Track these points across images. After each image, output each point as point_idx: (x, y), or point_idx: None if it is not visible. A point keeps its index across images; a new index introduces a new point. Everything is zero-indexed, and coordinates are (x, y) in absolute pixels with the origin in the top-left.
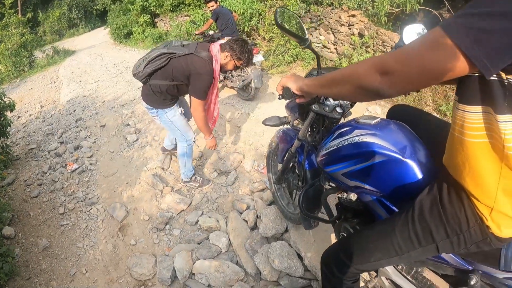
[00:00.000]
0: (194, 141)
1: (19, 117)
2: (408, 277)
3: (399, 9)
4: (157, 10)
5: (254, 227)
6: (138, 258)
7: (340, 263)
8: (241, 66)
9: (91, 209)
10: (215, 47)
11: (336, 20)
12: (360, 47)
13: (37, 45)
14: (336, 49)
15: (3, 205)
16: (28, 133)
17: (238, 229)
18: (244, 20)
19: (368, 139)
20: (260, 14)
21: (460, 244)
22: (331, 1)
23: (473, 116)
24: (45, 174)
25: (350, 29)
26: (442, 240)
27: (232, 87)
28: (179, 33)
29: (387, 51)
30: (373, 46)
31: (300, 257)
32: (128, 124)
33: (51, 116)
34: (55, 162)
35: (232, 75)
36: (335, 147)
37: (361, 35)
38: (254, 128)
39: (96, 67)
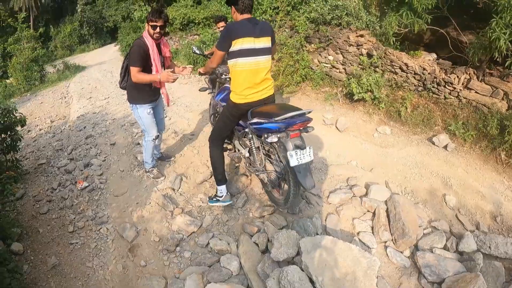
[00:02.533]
0: (154, 139)
1: (29, 131)
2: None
3: (407, 29)
4: (166, 29)
5: (265, 251)
6: (149, 280)
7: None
8: (156, 23)
9: (101, 228)
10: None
11: (344, 40)
12: (369, 67)
13: (48, 60)
14: (344, 69)
15: (12, 220)
16: (38, 147)
17: (249, 252)
18: None
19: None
20: None
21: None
22: (339, 22)
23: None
24: (55, 190)
25: (358, 49)
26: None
27: None
28: (189, 52)
29: (395, 71)
30: (382, 66)
31: (311, 281)
32: (138, 143)
33: (61, 131)
34: (65, 179)
35: None
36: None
37: (369, 55)
38: None
39: (106, 84)
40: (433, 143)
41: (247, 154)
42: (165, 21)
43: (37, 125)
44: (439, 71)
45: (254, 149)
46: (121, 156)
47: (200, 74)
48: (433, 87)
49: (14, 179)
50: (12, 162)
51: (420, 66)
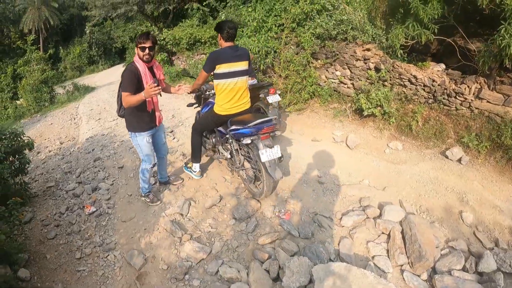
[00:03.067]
0: (151, 167)
1: (38, 152)
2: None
3: (415, 41)
4: (173, 49)
5: (277, 278)
6: None
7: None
8: (144, 44)
9: (108, 255)
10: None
11: (351, 55)
12: (377, 82)
13: (58, 81)
14: (353, 84)
15: (20, 245)
16: (47, 169)
17: (260, 280)
18: (259, 58)
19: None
20: (275, 52)
21: (215, 122)
22: (345, 36)
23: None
24: (63, 215)
25: (366, 63)
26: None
27: None
28: (196, 72)
29: (404, 84)
30: (390, 80)
31: None
32: None
33: (70, 153)
34: (73, 203)
35: None
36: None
37: (377, 69)
38: None
39: (115, 105)
40: (447, 157)
41: (229, 156)
42: (153, 42)
43: (47, 147)
44: (449, 82)
45: (233, 151)
46: (129, 180)
47: (189, 92)
48: (443, 98)
49: (21, 204)
50: (20, 185)
51: (429, 77)
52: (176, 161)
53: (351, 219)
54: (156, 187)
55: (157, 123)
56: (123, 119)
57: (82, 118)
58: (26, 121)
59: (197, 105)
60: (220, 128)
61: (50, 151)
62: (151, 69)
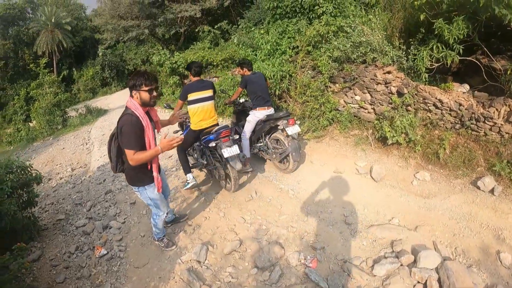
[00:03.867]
0: (165, 215)
1: (49, 179)
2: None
3: (440, 64)
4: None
5: None
6: None
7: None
8: (152, 86)
9: None
10: (128, 99)
11: (371, 79)
12: (401, 107)
13: (71, 103)
14: (374, 109)
15: (27, 286)
16: (57, 199)
17: None
18: (275, 83)
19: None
20: (290, 76)
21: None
22: (364, 59)
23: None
24: (72, 255)
25: (387, 87)
26: None
27: (269, 159)
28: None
29: (429, 109)
30: (414, 104)
31: None
32: None
33: (81, 182)
34: (83, 242)
35: (267, 147)
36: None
37: (399, 93)
38: (296, 210)
39: None
40: (478, 188)
41: (205, 162)
42: (156, 82)
43: (58, 173)
44: (476, 105)
45: (206, 156)
46: (141, 218)
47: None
48: (471, 123)
49: (30, 238)
50: (29, 218)
51: (456, 101)
52: (191, 197)
53: (384, 268)
54: (170, 228)
55: (158, 189)
56: None
57: (94, 144)
58: (38, 144)
59: (181, 131)
60: (197, 143)
61: (61, 178)
62: (147, 114)
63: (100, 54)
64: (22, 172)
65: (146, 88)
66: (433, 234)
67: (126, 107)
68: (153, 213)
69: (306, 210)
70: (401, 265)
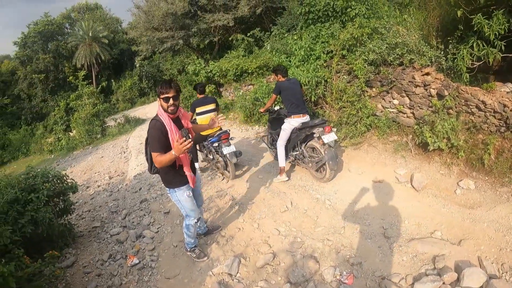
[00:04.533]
0: (196, 221)
1: (87, 187)
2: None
3: (482, 62)
4: (221, 80)
5: None
6: None
7: None
8: (167, 95)
9: None
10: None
11: (409, 81)
12: (442, 110)
13: (110, 113)
14: (413, 113)
15: None
16: (94, 206)
17: None
18: (310, 89)
19: None
20: (325, 81)
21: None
22: (400, 61)
23: None
24: (105, 262)
25: (426, 89)
26: None
27: (305, 168)
28: (245, 104)
29: (472, 111)
30: (455, 107)
31: None
32: None
33: (118, 190)
34: (116, 250)
35: (303, 156)
36: None
37: (439, 96)
38: (332, 222)
39: None
40: None
41: (211, 157)
42: (177, 90)
43: (96, 181)
44: None
45: (212, 153)
46: (175, 228)
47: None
48: None
49: (65, 245)
50: (65, 226)
51: (500, 102)
52: (225, 207)
53: (425, 286)
54: (203, 238)
55: (191, 184)
56: None
57: (132, 152)
58: (78, 152)
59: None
60: (205, 142)
61: (99, 186)
62: (177, 120)
63: (137, 65)
64: (58, 181)
65: (162, 96)
66: (478, 249)
67: (157, 113)
68: (184, 221)
69: (343, 222)
70: (443, 283)
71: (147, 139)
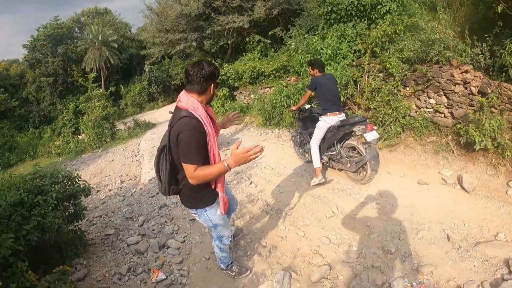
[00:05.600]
0: (231, 241)
1: (98, 191)
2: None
3: None
4: (235, 83)
5: None
6: None
7: None
8: (217, 80)
9: None
10: (182, 98)
11: (448, 80)
12: (486, 109)
13: (119, 117)
14: (451, 112)
15: None
16: (106, 212)
17: None
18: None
19: None
20: (354, 81)
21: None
22: (437, 58)
23: None
24: (124, 276)
25: (466, 87)
26: None
27: (341, 169)
28: (263, 106)
29: None
30: (498, 106)
31: None
32: None
33: (132, 194)
34: (136, 262)
35: (340, 156)
36: None
37: (482, 94)
38: (387, 227)
39: None
40: None
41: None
42: None
43: (107, 185)
44: None
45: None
46: (204, 237)
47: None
48: None
49: (75, 254)
50: (75, 232)
51: None
52: (260, 214)
53: None
54: (241, 250)
55: (222, 210)
56: None
57: (144, 156)
58: (87, 155)
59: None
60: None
61: (110, 190)
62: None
63: (146, 70)
64: (69, 182)
65: (211, 84)
66: None
67: (180, 108)
68: (214, 239)
69: (399, 227)
70: None
71: (163, 149)
